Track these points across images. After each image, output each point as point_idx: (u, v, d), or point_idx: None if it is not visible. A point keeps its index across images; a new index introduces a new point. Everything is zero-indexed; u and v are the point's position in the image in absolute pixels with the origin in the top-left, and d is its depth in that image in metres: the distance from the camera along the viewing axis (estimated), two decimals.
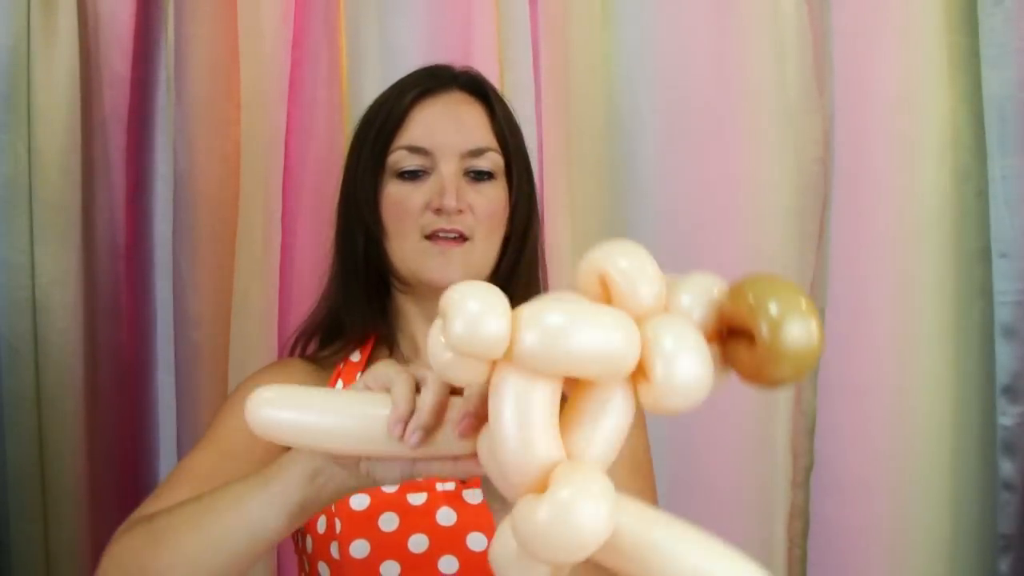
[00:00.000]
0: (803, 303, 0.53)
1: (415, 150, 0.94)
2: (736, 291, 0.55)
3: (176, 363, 1.29)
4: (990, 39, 1.21)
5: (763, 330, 0.52)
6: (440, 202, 0.92)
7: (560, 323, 0.51)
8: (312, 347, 1.02)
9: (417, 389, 0.60)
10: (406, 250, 0.93)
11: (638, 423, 0.95)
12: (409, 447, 0.59)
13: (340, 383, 0.95)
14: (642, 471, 0.94)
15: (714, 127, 1.29)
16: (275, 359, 1.24)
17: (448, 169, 0.93)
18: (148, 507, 0.81)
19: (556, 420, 0.54)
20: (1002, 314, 1.22)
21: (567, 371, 0.52)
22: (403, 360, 0.98)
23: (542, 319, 0.51)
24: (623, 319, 0.52)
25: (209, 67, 1.26)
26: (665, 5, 1.29)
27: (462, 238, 0.93)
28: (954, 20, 1.25)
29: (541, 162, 1.28)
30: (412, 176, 0.94)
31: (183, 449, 1.29)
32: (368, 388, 0.62)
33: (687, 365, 0.52)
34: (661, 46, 1.29)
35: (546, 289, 1.05)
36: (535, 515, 0.49)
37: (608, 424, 0.54)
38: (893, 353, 1.26)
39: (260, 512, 0.66)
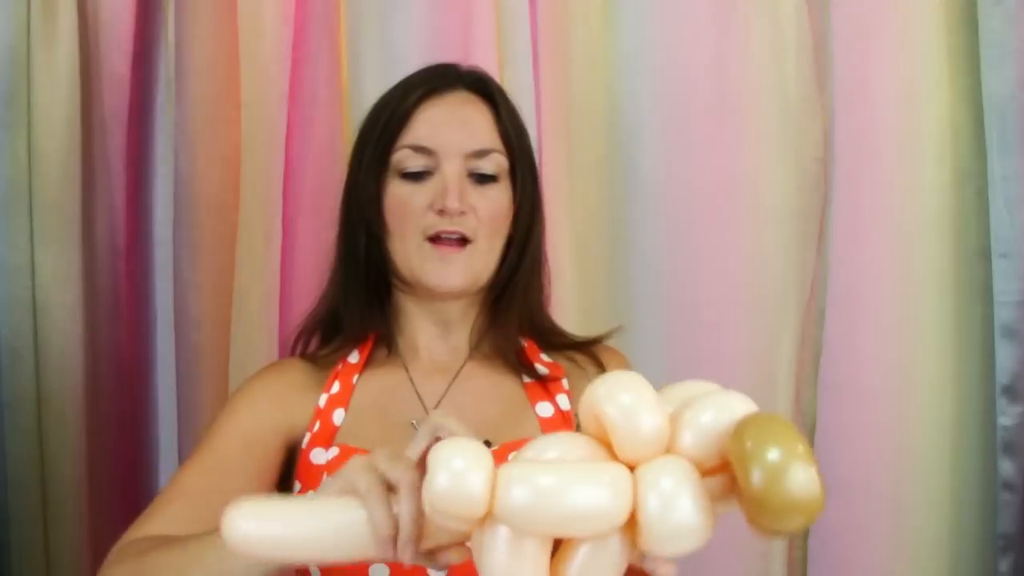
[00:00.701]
0: (801, 450, 0.49)
1: (419, 149, 0.93)
2: (736, 433, 0.52)
3: (176, 363, 1.29)
4: (990, 39, 1.21)
5: (754, 479, 0.49)
6: (443, 203, 0.91)
7: (548, 485, 0.51)
8: (314, 344, 1.02)
9: (390, 488, 0.58)
10: (407, 250, 0.93)
11: None
12: (407, 562, 0.58)
13: (337, 384, 0.95)
14: None
15: (714, 127, 1.29)
16: (275, 359, 1.24)
17: (451, 170, 0.92)
18: (143, 526, 0.81)
19: (547, 572, 0.54)
20: (1002, 314, 1.22)
21: (553, 533, 0.52)
22: (400, 361, 0.98)
23: (530, 480, 0.51)
24: (612, 478, 0.52)
25: (209, 67, 1.26)
26: (665, 5, 1.29)
27: (464, 240, 0.92)
28: (954, 20, 1.25)
29: (541, 162, 1.28)
30: (415, 176, 0.93)
31: (183, 449, 1.29)
32: (339, 492, 0.60)
33: (681, 514, 0.51)
34: (661, 46, 1.29)
35: (548, 292, 1.04)
36: None
37: (602, 573, 0.54)
38: (893, 353, 1.26)
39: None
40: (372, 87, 1.26)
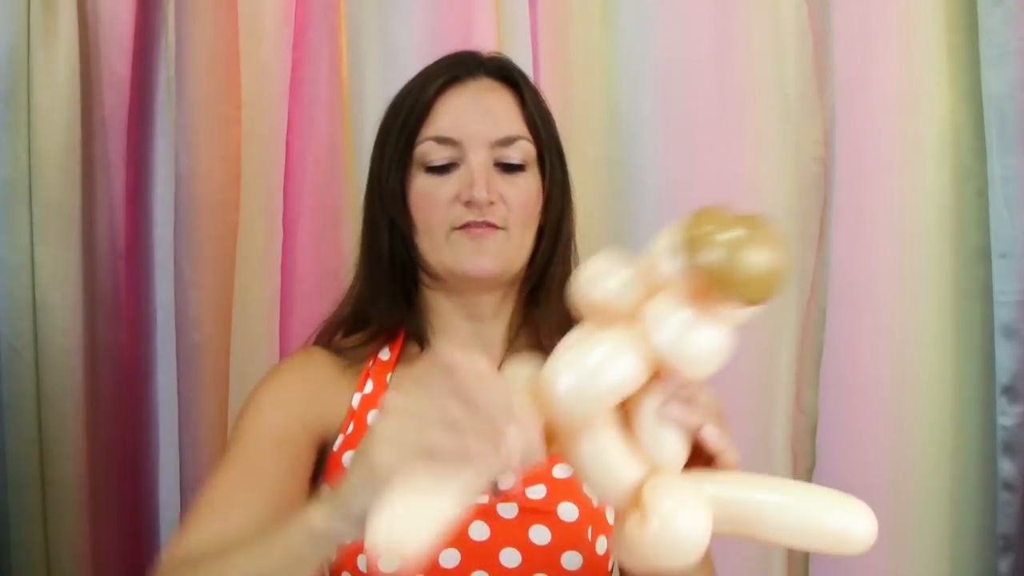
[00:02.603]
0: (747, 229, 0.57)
1: (442, 141, 0.90)
2: (682, 236, 0.58)
3: (176, 363, 1.29)
4: (990, 39, 1.21)
5: (711, 259, 0.56)
6: (470, 194, 0.88)
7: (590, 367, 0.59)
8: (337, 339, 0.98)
9: None
10: (436, 244, 0.90)
11: None
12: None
13: (370, 383, 0.92)
14: None
15: (714, 127, 1.29)
16: (276, 360, 1.24)
17: (477, 160, 0.89)
18: (184, 541, 0.77)
19: (626, 446, 0.62)
20: (1002, 314, 1.22)
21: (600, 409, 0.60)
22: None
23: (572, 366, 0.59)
24: (618, 344, 0.60)
25: (209, 67, 1.26)
26: (665, 5, 1.29)
27: (495, 228, 0.89)
28: (954, 20, 1.25)
29: None
30: (440, 169, 0.90)
31: (183, 449, 1.29)
32: None
33: (691, 336, 0.59)
34: (661, 46, 1.29)
35: None
36: (644, 530, 0.58)
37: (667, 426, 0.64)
38: (893, 353, 1.26)
39: None
40: (372, 87, 1.26)
